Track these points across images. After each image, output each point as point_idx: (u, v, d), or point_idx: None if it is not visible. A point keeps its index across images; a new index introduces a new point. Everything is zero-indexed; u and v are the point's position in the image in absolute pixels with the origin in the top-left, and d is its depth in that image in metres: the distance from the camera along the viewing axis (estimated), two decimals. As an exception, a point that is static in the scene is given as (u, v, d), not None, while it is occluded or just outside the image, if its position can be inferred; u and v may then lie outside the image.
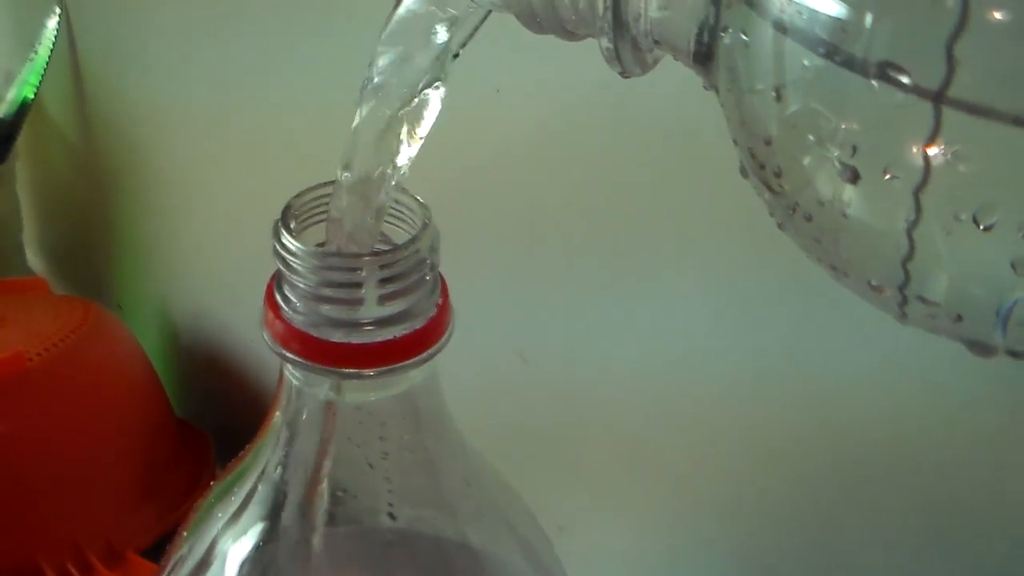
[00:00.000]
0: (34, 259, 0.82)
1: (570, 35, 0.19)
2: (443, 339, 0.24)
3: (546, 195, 0.39)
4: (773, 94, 0.15)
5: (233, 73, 0.53)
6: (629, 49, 0.18)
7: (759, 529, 0.37)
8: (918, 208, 0.14)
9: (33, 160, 0.78)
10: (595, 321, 0.39)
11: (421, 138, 0.22)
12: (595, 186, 0.37)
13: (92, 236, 0.76)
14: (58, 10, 0.68)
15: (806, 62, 0.15)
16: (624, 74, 0.19)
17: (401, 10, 0.21)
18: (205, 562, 0.26)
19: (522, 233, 0.41)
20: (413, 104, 0.21)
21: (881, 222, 0.15)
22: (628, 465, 0.41)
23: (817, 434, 0.34)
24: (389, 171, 0.22)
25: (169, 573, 0.27)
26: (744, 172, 0.17)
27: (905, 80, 0.14)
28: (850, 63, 0.14)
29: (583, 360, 0.41)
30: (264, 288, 0.24)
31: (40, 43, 0.69)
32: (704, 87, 0.18)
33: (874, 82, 0.14)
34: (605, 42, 0.18)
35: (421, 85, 0.21)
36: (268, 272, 0.24)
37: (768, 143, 0.16)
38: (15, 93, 0.71)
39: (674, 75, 0.31)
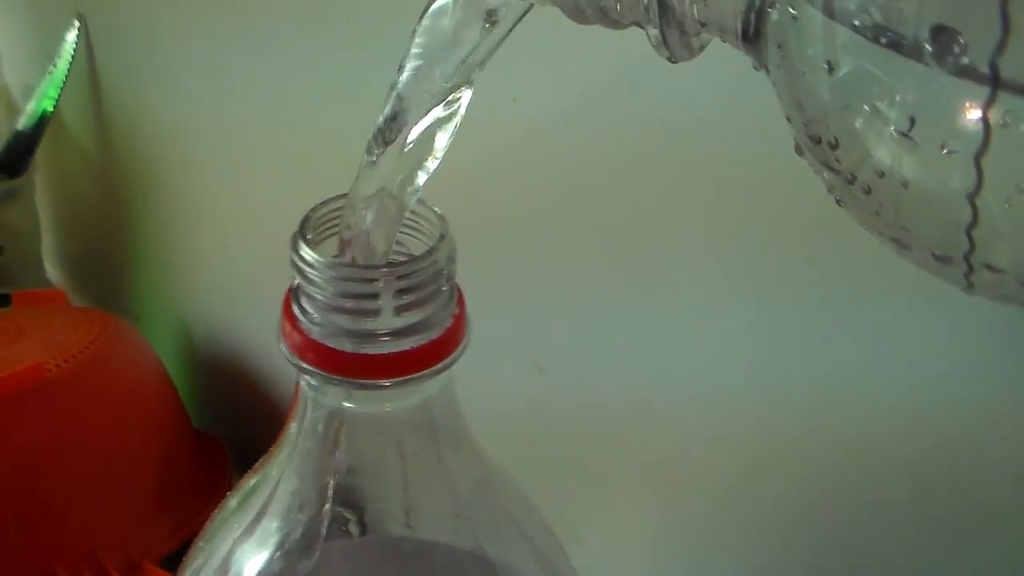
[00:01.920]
0: (53, 271, 0.83)
1: (615, 23, 0.19)
2: (459, 350, 0.24)
3: (564, 205, 0.39)
4: (825, 66, 0.15)
5: (251, 85, 0.53)
6: (676, 34, 0.18)
7: (780, 542, 0.37)
8: (980, 174, 0.14)
9: (52, 172, 0.79)
10: (612, 332, 0.39)
11: (444, 147, 0.22)
12: (613, 196, 0.37)
13: (110, 248, 0.77)
14: (77, 23, 0.69)
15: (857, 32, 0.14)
16: (672, 59, 0.18)
17: (435, 7, 0.21)
18: (221, 572, 0.26)
19: (539, 244, 0.41)
20: (438, 112, 0.21)
21: (942, 190, 0.15)
22: (645, 476, 0.41)
23: (838, 447, 0.34)
24: (411, 179, 0.22)
25: (186, 583, 0.27)
26: (799, 150, 0.17)
27: (960, 42, 0.13)
28: (902, 29, 0.14)
29: (600, 372, 0.41)
30: (281, 299, 0.24)
31: (59, 56, 0.69)
32: (754, 67, 0.17)
33: (927, 46, 0.14)
34: (651, 28, 0.18)
35: (447, 93, 0.21)
36: (285, 283, 0.24)
37: (822, 117, 0.16)
38: (34, 106, 0.72)
39: (697, 82, 0.32)
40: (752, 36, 0.17)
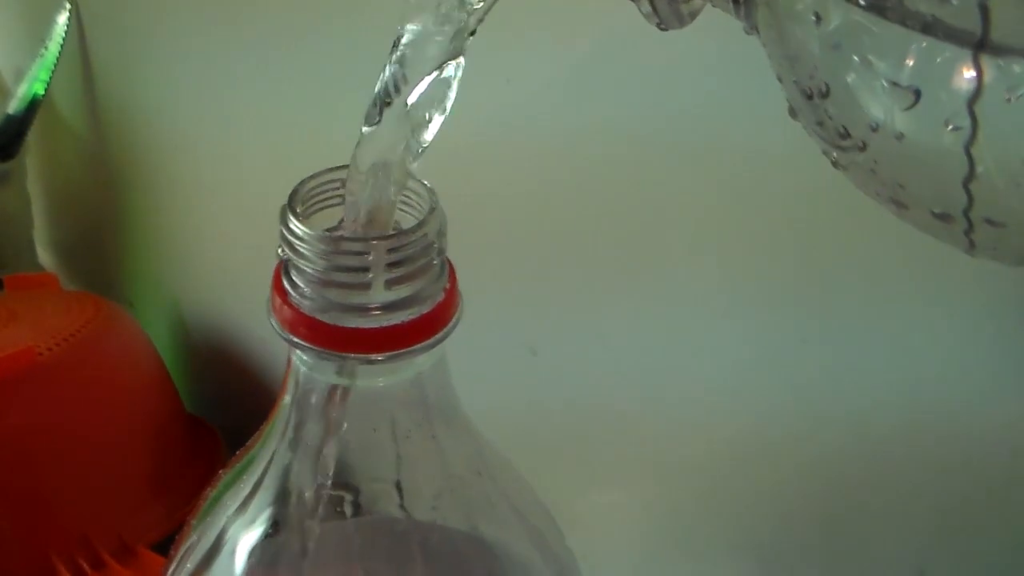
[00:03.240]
0: (44, 255, 0.82)
1: None
2: (451, 324, 0.24)
3: (558, 188, 0.39)
4: (813, 18, 0.15)
5: (244, 69, 0.53)
6: (665, 1, 0.18)
7: (775, 527, 0.37)
8: (974, 122, 0.14)
9: (43, 156, 0.78)
10: (606, 316, 0.39)
11: (442, 115, 0.22)
12: (608, 180, 0.37)
13: (102, 232, 0.76)
14: (68, 6, 0.68)
15: None
16: (662, 27, 0.18)
17: None
18: (214, 550, 0.26)
19: (533, 227, 0.40)
20: (434, 80, 0.21)
21: (936, 140, 0.14)
22: (637, 459, 0.41)
23: (832, 434, 0.34)
24: (411, 148, 0.22)
25: (178, 561, 0.27)
26: (792, 112, 0.17)
27: None
28: None
29: (593, 355, 0.41)
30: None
31: (50, 39, 0.69)
32: (745, 31, 0.17)
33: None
34: None
35: (441, 61, 0.21)
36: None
37: (813, 72, 0.15)
38: (25, 89, 0.71)
39: (690, 66, 0.31)
40: None
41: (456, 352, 0.25)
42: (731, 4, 0.17)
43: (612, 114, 0.35)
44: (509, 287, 0.41)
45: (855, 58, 0.14)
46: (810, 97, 0.16)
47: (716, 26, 0.28)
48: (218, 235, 0.63)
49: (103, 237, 0.77)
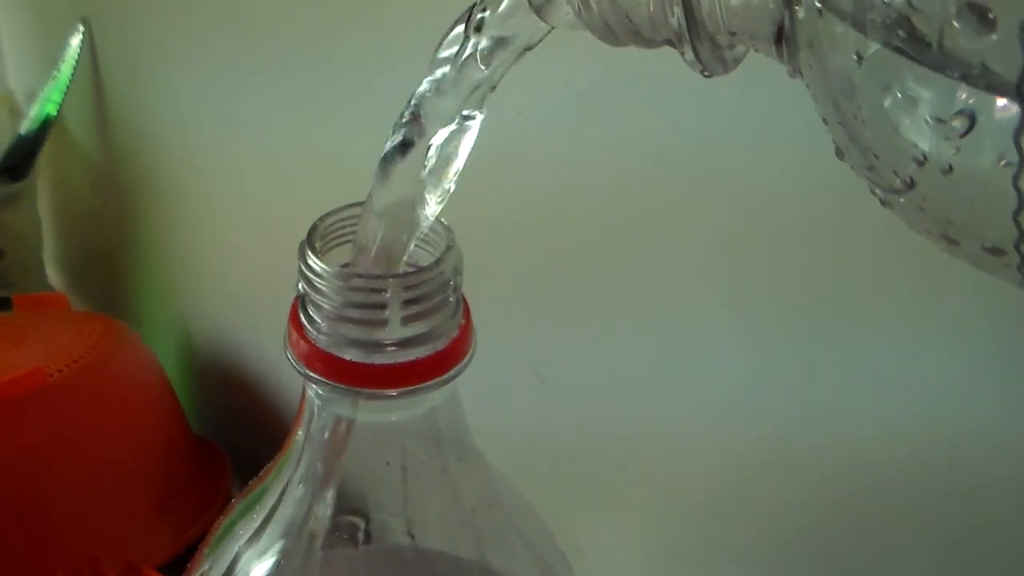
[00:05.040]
0: (54, 275, 0.83)
1: (648, 42, 0.19)
2: (465, 360, 0.24)
3: (566, 216, 0.39)
4: (854, 57, 0.15)
5: (255, 91, 0.54)
6: (708, 48, 0.18)
7: (781, 552, 0.37)
8: (1021, 154, 0.14)
9: (54, 177, 0.79)
10: (613, 342, 0.39)
11: (457, 170, 0.22)
12: (616, 208, 0.37)
13: (112, 253, 0.77)
14: (82, 28, 0.69)
15: (882, 17, 0.14)
16: (706, 73, 0.18)
17: (453, 34, 0.21)
18: (226, 580, 0.26)
19: (541, 254, 0.41)
20: (449, 136, 0.21)
21: (984, 175, 0.14)
22: (645, 486, 0.41)
23: (835, 459, 0.34)
24: (423, 202, 0.22)
25: (190, 591, 0.27)
26: (839, 154, 0.17)
27: (989, 16, 0.13)
28: (928, 4, 0.13)
29: (601, 381, 0.41)
30: (283, 307, 0.24)
31: (63, 61, 0.70)
32: (789, 75, 0.17)
33: (955, 23, 0.13)
34: (684, 44, 0.18)
35: (459, 116, 0.21)
36: (287, 291, 0.24)
37: (857, 112, 0.15)
38: (38, 110, 0.72)
39: (699, 93, 0.32)
40: (785, 39, 0.16)
41: (463, 377, 0.25)
42: (773, 48, 0.17)
43: (620, 143, 0.36)
44: (516, 312, 0.41)
45: (899, 95, 0.14)
46: (856, 137, 0.16)
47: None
48: (227, 256, 0.63)
49: (112, 257, 0.77)
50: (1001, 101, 0.13)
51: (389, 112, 0.22)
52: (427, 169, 0.22)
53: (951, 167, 0.14)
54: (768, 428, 0.35)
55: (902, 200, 0.16)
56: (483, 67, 0.20)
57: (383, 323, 0.23)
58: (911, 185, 0.15)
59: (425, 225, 0.23)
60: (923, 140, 0.14)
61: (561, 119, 0.37)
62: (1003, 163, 0.14)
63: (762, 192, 0.32)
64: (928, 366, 0.30)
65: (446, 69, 0.21)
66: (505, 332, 0.37)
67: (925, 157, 0.15)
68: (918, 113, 0.14)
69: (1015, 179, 0.14)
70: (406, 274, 0.23)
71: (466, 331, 0.24)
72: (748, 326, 0.35)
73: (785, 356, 0.34)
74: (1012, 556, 0.30)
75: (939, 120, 0.14)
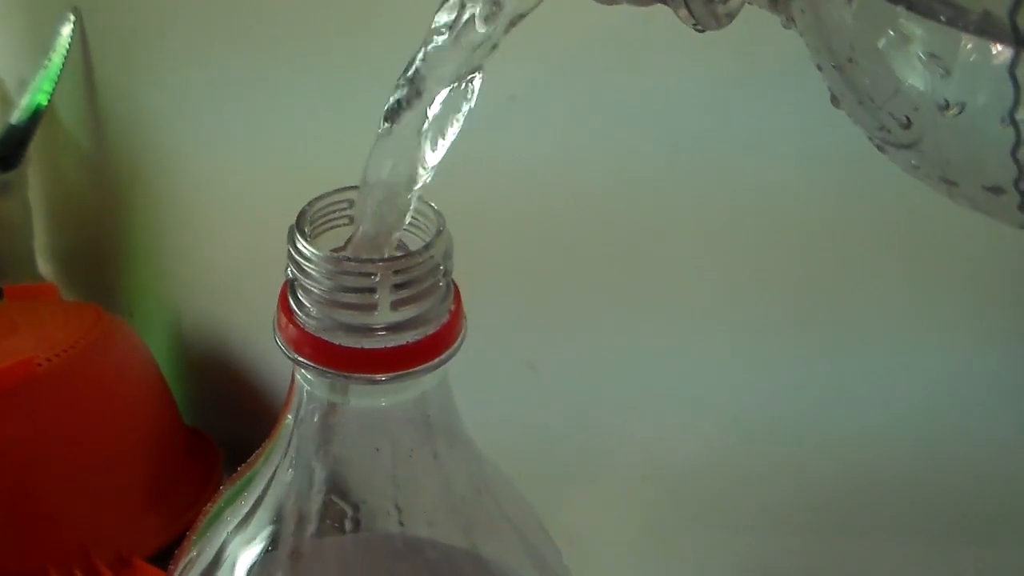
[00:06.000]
0: (45, 265, 0.82)
1: (640, 1, 0.18)
2: (455, 345, 0.24)
3: (558, 205, 0.39)
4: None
5: (247, 82, 0.53)
6: (700, 1, 0.17)
7: (774, 547, 0.37)
8: (1017, 88, 0.13)
9: (45, 166, 0.78)
10: (605, 333, 0.39)
11: (453, 136, 0.22)
12: (610, 197, 0.37)
13: (103, 243, 0.77)
14: (73, 17, 0.69)
15: None
16: (699, 28, 0.18)
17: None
18: (214, 566, 0.26)
19: (532, 242, 0.41)
20: (447, 98, 0.21)
21: (979, 111, 0.14)
22: (636, 475, 0.41)
23: (830, 452, 0.34)
24: (419, 172, 0.22)
25: (178, 577, 0.27)
26: (835, 100, 0.17)
27: None
28: None
29: (592, 371, 0.41)
30: (275, 298, 0.24)
31: (54, 50, 0.69)
32: (783, 25, 0.17)
33: None
34: (675, 3, 0.18)
35: (459, 77, 0.21)
36: (278, 280, 0.24)
37: (851, 54, 0.15)
38: (28, 99, 0.71)
39: (697, 87, 0.32)
40: None
41: (455, 367, 0.25)
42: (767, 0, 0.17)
43: (616, 132, 0.36)
44: (508, 302, 0.41)
45: (891, 33, 0.14)
46: (851, 81, 0.15)
47: (723, 51, 0.29)
48: (218, 247, 0.63)
49: (103, 248, 0.77)
50: (993, 30, 0.13)
51: (382, 106, 0.22)
52: (425, 133, 0.22)
53: (947, 103, 0.14)
54: (760, 419, 0.35)
55: (899, 142, 0.15)
56: (481, 29, 0.20)
57: (373, 307, 0.22)
58: (907, 125, 0.15)
59: (417, 195, 0.23)
60: (917, 78, 0.14)
61: (554, 106, 0.37)
62: (997, 97, 0.13)
63: (755, 187, 0.32)
64: (926, 369, 0.30)
65: (445, 33, 0.21)
66: (497, 322, 0.36)
67: (920, 96, 0.14)
68: (911, 51, 0.14)
69: (1011, 113, 0.13)
70: (396, 258, 0.23)
71: (456, 316, 0.24)
72: (740, 319, 0.35)
73: (777, 348, 0.34)
74: (1012, 555, 0.30)
75: (933, 56, 0.14)
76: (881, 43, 0.15)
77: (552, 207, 0.39)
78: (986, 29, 0.13)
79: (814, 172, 0.31)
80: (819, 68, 0.16)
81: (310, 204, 0.24)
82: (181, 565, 0.27)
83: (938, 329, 0.30)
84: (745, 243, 0.34)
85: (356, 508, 0.26)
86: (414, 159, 0.22)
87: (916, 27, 0.14)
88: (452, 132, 0.22)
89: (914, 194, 0.28)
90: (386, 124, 0.22)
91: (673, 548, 0.41)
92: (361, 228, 0.23)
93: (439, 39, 0.21)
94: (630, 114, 0.35)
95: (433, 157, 0.22)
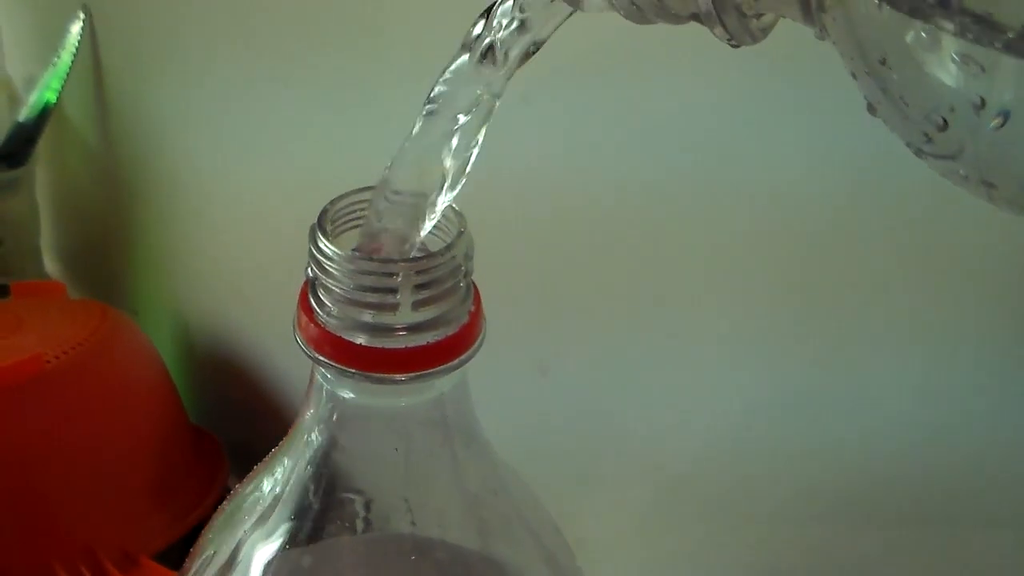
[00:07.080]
0: (51, 263, 0.82)
1: (675, 18, 0.19)
2: (475, 347, 0.24)
3: (571, 208, 0.39)
4: (876, 2, 0.15)
5: (255, 82, 0.53)
6: (734, 17, 0.18)
7: (779, 546, 0.37)
8: None
9: (53, 164, 0.78)
10: (616, 337, 0.39)
11: (475, 151, 0.22)
12: (622, 202, 0.37)
13: (110, 241, 0.77)
14: (82, 16, 0.69)
15: None
16: (733, 43, 0.18)
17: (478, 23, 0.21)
18: (230, 563, 0.26)
19: (544, 245, 0.41)
20: (470, 118, 0.21)
21: (1017, 107, 0.14)
22: (646, 478, 0.41)
23: (834, 456, 0.34)
24: (441, 187, 0.22)
25: (193, 574, 0.27)
26: (871, 108, 0.17)
27: None
28: None
29: (603, 374, 0.41)
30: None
31: (63, 48, 0.69)
32: (816, 36, 0.17)
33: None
34: (705, 6, 0.18)
35: (478, 99, 0.21)
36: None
37: (884, 58, 0.15)
38: (37, 97, 0.71)
39: (711, 99, 0.32)
40: (812, 4, 0.16)
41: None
42: (799, 8, 0.17)
43: (627, 137, 0.36)
44: (519, 305, 0.41)
45: (923, 35, 0.14)
46: (885, 87, 0.15)
47: (735, 56, 0.29)
48: (224, 246, 0.63)
49: (110, 246, 0.77)
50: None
51: (391, 105, 0.22)
52: (449, 151, 0.22)
53: (983, 102, 0.14)
54: (768, 423, 0.35)
55: (936, 146, 0.15)
56: (504, 55, 0.20)
57: (394, 307, 0.22)
58: (944, 127, 0.15)
59: (442, 209, 0.23)
60: (951, 78, 0.14)
61: (567, 108, 0.37)
62: None
63: (766, 192, 0.32)
64: (937, 384, 0.30)
65: (467, 54, 0.21)
66: (508, 324, 0.36)
67: (955, 97, 0.14)
68: (943, 51, 0.14)
69: None
70: (418, 259, 0.23)
71: (476, 317, 0.24)
72: (752, 326, 0.35)
73: (786, 353, 0.34)
74: (1013, 555, 0.31)
75: (965, 56, 0.14)
76: (912, 42, 0.15)
77: (563, 210, 0.39)
78: (1012, 47, 0.13)
79: (822, 177, 0.31)
80: (853, 76, 0.16)
81: (332, 203, 0.24)
82: (197, 562, 0.27)
83: (942, 331, 0.30)
84: (755, 247, 0.34)
85: (372, 507, 0.26)
86: (435, 185, 0.22)
87: (949, 26, 0.14)
88: (474, 153, 0.22)
89: (919, 202, 0.28)
90: (409, 146, 0.22)
91: (683, 550, 0.41)
92: (375, 228, 0.23)
93: (464, 57, 0.21)
94: (642, 118, 0.35)
95: (455, 180, 0.22)
